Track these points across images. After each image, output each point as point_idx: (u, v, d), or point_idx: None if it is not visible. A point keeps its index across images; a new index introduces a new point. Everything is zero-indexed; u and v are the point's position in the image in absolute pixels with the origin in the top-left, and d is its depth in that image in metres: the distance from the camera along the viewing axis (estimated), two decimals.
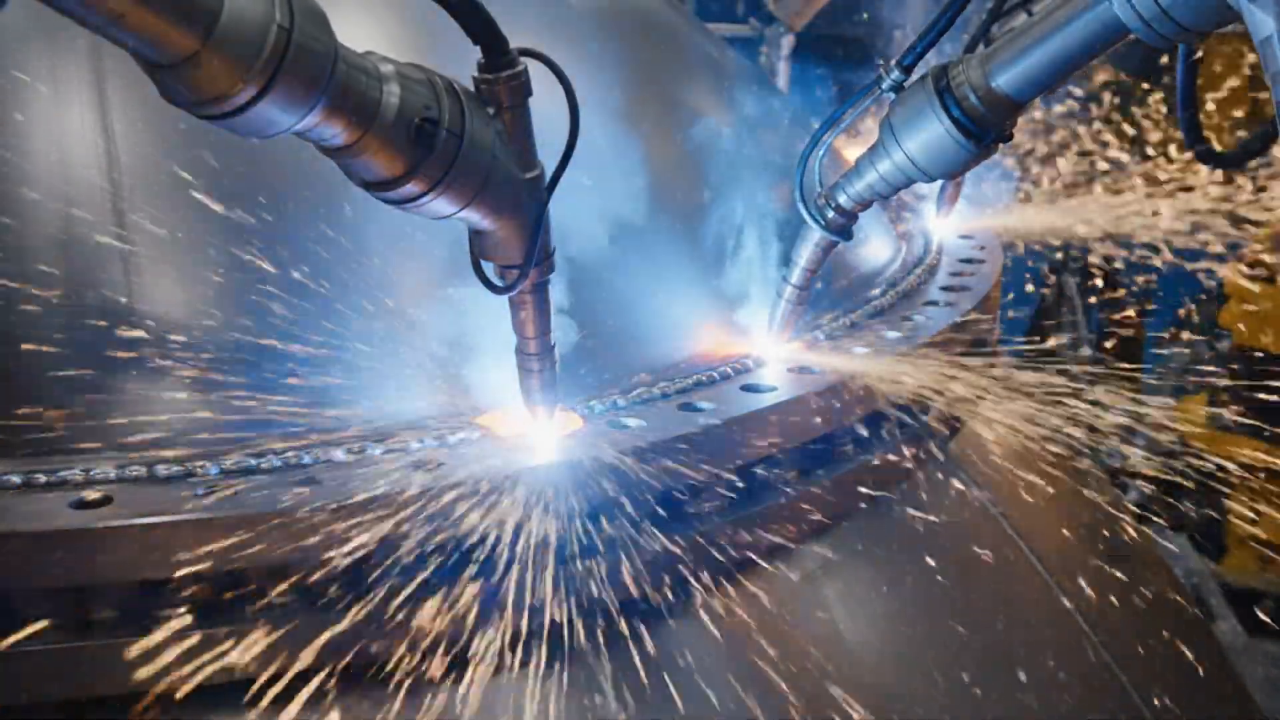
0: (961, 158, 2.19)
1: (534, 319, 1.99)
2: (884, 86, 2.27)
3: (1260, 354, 6.12)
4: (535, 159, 1.86)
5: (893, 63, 2.25)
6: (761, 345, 2.57)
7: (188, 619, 1.82)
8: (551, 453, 2.06)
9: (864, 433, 2.51)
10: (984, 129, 2.15)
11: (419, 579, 1.90)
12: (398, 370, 2.17)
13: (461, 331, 2.21)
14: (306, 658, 1.86)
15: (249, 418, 2.05)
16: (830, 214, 2.41)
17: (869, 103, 2.31)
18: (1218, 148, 2.84)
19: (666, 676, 2.05)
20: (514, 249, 1.88)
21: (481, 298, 1.98)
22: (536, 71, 1.83)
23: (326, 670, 1.88)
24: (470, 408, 2.20)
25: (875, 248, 3.28)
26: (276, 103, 1.47)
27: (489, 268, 1.94)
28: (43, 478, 1.93)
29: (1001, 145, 2.21)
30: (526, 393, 2.08)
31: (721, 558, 2.21)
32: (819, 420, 2.37)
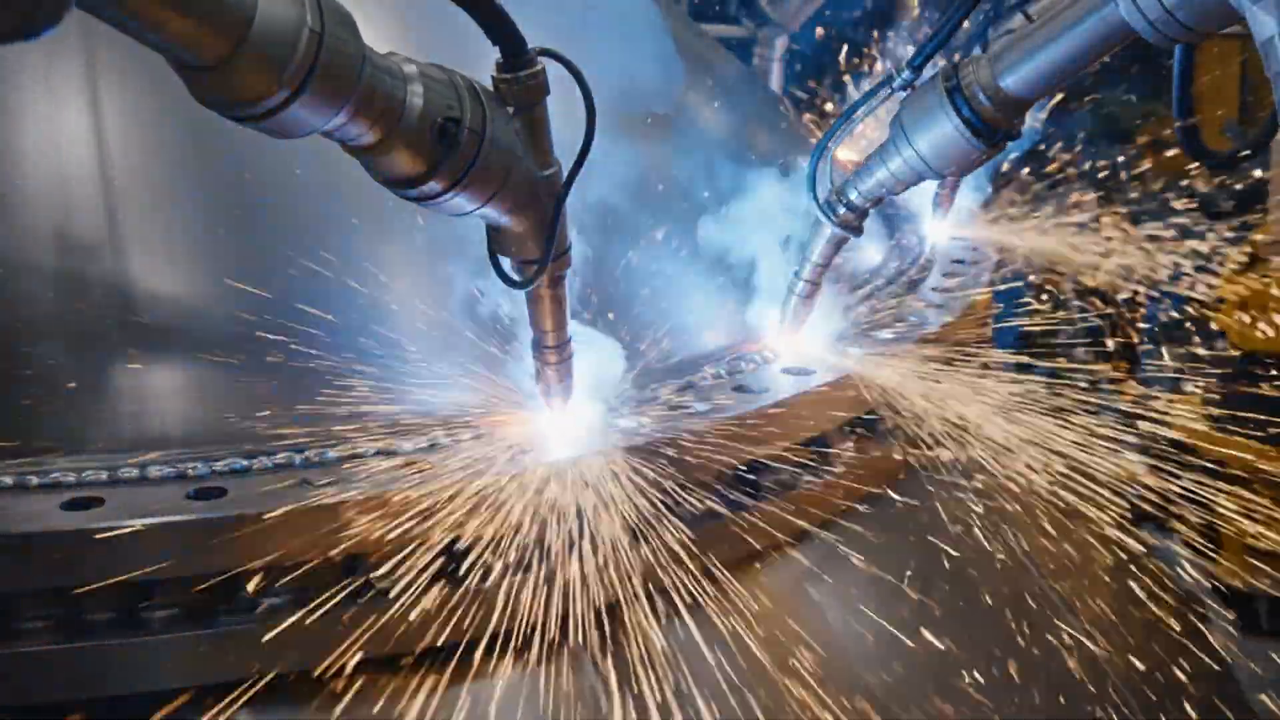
0: (971, 155, 2.24)
1: (551, 313, 2.03)
2: (894, 86, 2.31)
3: (1255, 355, 6.14)
4: (552, 157, 1.89)
5: (903, 63, 2.29)
6: (773, 338, 2.61)
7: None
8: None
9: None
10: (993, 127, 2.20)
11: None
12: (398, 368, 2.20)
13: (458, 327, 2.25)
14: None
15: (245, 417, 2.07)
16: (841, 210, 2.45)
17: (880, 101, 2.35)
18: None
19: None
20: (531, 245, 1.92)
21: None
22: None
23: None
24: (474, 407, 2.23)
25: (871, 248, 3.32)
26: (307, 105, 1.50)
27: (506, 263, 1.97)
28: (35, 479, 1.94)
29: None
30: (542, 386, 2.12)
31: None
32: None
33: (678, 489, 2.11)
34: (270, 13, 1.42)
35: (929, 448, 2.62)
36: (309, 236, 2.24)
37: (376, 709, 1.92)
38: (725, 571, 2.17)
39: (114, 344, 2.07)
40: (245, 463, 2.00)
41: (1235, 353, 6.34)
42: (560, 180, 1.91)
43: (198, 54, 1.42)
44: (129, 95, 2.22)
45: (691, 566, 2.09)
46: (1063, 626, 2.72)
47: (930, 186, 3.54)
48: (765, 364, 2.53)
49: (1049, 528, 2.89)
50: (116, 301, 2.10)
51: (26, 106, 2.18)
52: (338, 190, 2.24)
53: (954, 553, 2.63)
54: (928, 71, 2.32)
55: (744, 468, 2.29)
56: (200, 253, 2.18)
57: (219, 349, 2.10)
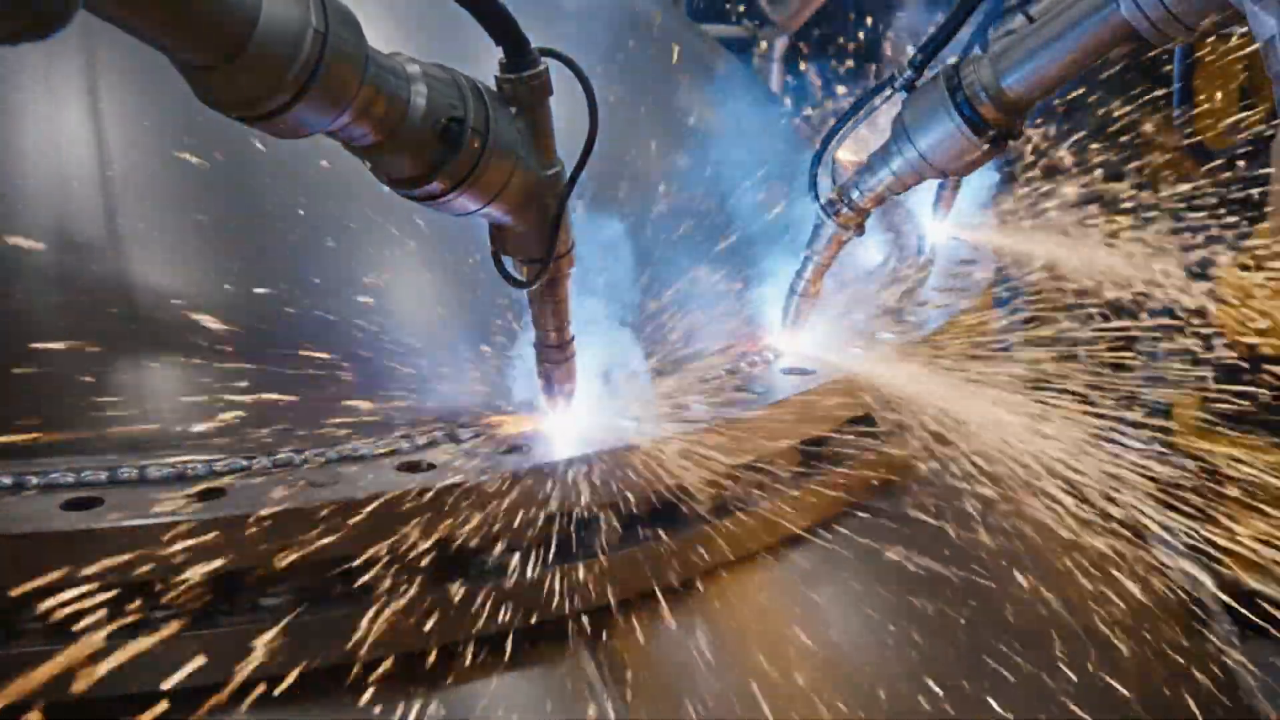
0: (972, 155, 2.24)
1: (553, 313, 2.04)
2: (895, 86, 2.32)
3: (1256, 354, 6.14)
4: (555, 156, 1.90)
5: (905, 62, 2.30)
6: (774, 339, 2.61)
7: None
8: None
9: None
10: (995, 127, 2.20)
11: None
12: (397, 367, 2.19)
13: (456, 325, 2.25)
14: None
15: (245, 417, 2.07)
16: (843, 210, 2.46)
17: (883, 101, 2.35)
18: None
19: None
20: (534, 244, 1.93)
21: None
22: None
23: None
24: (475, 407, 2.22)
25: (870, 248, 3.32)
26: (311, 105, 1.50)
27: (509, 263, 1.98)
28: (35, 479, 1.94)
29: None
30: (545, 385, 2.12)
31: None
32: None
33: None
34: (274, 13, 1.42)
35: (928, 448, 2.62)
36: (310, 235, 2.24)
37: None
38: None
39: (114, 344, 2.07)
40: (245, 463, 2.00)
41: (1233, 352, 6.34)
42: (563, 180, 1.91)
43: (201, 54, 1.42)
44: (129, 95, 2.22)
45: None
46: (1060, 626, 2.72)
47: (931, 186, 3.55)
48: (766, 364, 2.53)
49: (1047, 527, 2.90)
50: (116, 301, 2.09)
51: (26, 106, 2.18)
52: (339, 189, 2.24)
53: (948, 551, 2.64)
54: (928, 72, 2.33)
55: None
56: (200, 252, 2.18)
57: (219, 349, 2.10)
